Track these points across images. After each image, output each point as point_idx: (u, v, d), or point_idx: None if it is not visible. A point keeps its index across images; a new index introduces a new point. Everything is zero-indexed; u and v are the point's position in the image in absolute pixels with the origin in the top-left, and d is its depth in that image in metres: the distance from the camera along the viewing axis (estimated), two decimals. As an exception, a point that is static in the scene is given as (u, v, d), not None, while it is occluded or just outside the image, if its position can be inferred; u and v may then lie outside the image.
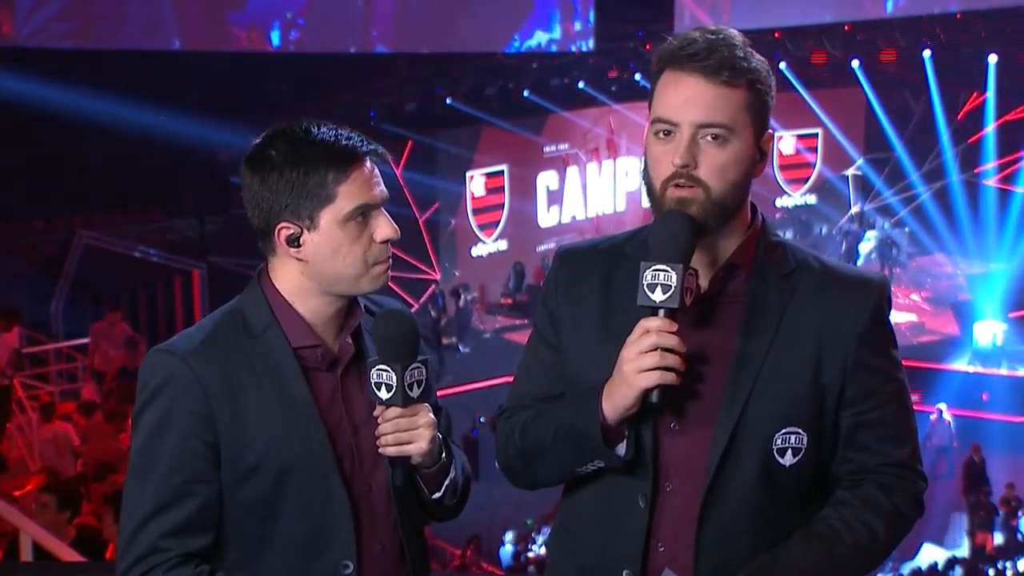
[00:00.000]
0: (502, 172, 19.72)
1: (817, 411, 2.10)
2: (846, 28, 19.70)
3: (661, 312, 2.00)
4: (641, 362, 1.99)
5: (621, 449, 2.09)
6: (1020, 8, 18.09)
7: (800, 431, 2.09)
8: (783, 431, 2.08)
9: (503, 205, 19.78)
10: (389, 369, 2.10)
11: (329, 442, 2.15)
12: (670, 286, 1.99)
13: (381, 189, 2.17)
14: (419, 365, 2.13)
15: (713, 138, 2.02)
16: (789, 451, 2.09)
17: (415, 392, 2.13)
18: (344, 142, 2.13)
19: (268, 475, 2.13)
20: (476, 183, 19.45)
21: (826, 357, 2.09)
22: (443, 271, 18.99)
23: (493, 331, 18.83)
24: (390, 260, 2.20)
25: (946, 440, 15.16)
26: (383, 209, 2.17)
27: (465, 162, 19.21)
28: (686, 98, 2.02)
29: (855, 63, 20.24)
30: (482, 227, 19.56)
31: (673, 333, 2.00)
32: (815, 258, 2.18)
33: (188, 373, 2.11)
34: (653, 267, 2.00)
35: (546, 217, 20.33)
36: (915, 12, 19.06)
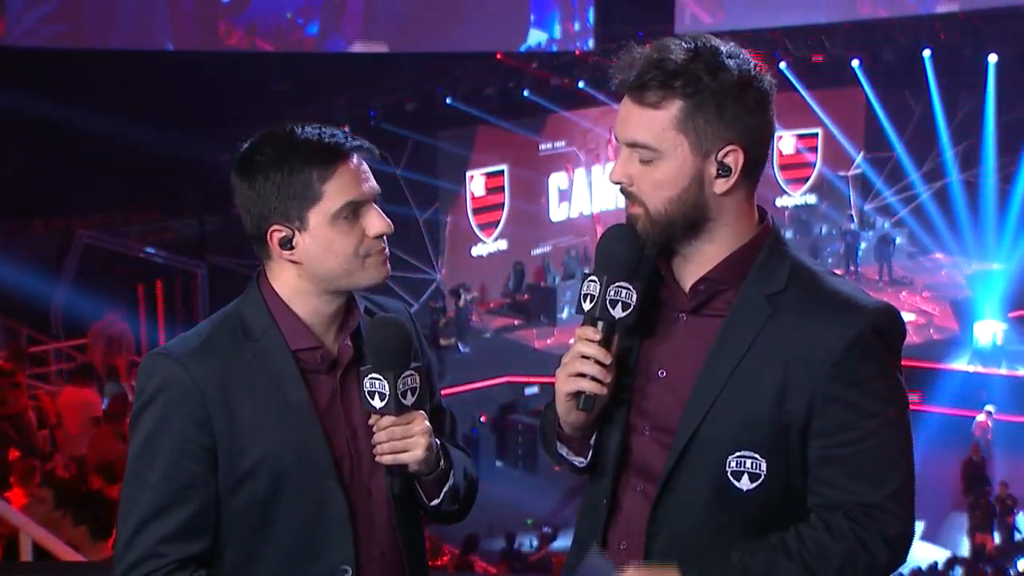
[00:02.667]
0: (502, 172, 19.70)
1: (779, 438, 2.03)
2: (846, 28, 19.69)
3: (601, 324, 2.05)
4: (565, 368, 2.07)
5: (586, 455, 2.17)
6: (1020, 8, 18.09)
7: (756, 456, 2.03)
8: (737, 454, 2.03)
9: (503, 205, 19.75)
10: (381, 378, 2.08)
11: (327, 445, 2.14)
12: (594, 296, 2.05)
13: (370, 184, 2.15)
14: (412, 373, 2.11)
15: (640, 158, 2.04)
16: (745, 475, 2.03)
17: (409, 400, 2.11)
18: (328, 140, 2.11)
19: (265, 479, 2.11)
20: (476, 183, 19.43)
21: (792, 385, 2.01)
22: (443, 271, 18.97)
23: (493, 331, 18.81)
24: (386, 251, 2.17)
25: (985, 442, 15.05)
26: (374, 204, 2.15)
27: (465, 162, 19.19)
28: (619, 119, 2.05)
29: (855, 63, 20.24)
30: (482, 227, 19.54)
31: (595, 342, 2.04)
32: (816, 279, 2.07)
33: (185, 377, 2.10)
34: (588, 278, 2.06)
35: (545, 217, 20.30)
36: (915, 12, 19.06)
